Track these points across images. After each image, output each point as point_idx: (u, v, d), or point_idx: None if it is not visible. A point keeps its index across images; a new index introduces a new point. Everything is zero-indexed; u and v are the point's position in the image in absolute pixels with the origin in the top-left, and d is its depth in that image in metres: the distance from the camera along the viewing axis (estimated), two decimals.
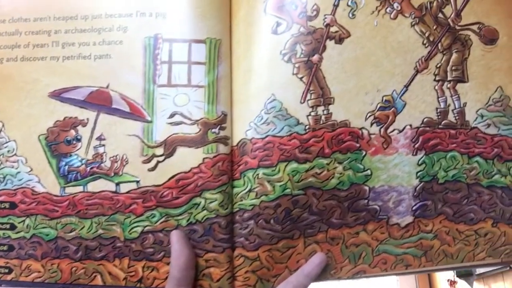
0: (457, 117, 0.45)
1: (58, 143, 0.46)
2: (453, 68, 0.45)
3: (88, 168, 0.45)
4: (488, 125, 0.46)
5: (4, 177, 0.45)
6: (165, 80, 0.45)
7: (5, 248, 0.45)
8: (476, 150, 0.45)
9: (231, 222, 0.44)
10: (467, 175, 0.45)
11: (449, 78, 0.45)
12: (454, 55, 0.45)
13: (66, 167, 0.46)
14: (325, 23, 0.45)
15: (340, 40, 0.45)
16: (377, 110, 0.45)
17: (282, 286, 0.42)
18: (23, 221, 0.45)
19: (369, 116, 0.44)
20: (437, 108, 0.45)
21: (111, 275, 0.44)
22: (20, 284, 0.44)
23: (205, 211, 0.43)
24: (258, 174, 0.44)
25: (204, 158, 0.44)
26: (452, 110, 0.45)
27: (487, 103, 0.46)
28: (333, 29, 0.45)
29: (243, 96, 0.45)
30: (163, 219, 0.44)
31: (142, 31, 0.45)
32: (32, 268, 0.44)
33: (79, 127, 0.46)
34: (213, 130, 0.44)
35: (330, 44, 0.45)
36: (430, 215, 0.45)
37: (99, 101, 0.45)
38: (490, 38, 0.46)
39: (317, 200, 0.44)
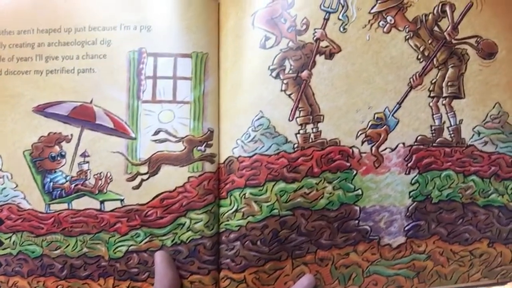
0: (452, 135, 0.44)
1: (42, 159, 0.45)
2: (449, 83, 0.43)
3: (73, 185, 0.44)
4: (485, 143, 0.44)
5: None
6: (149, 95, 0.43)
7: None
8: (472, 168, 0.44)
9: (217, 243, 0.43)
10: (463, 194, 0.44)
11: (444, 94, 0.44)
12: (450, 70, 0.44)
13: (51, 183, 0.45)
14: (315, 38, 0.43)
15: (330, 55, 0.43)
16: (369, 128, 0.43)
17: None
18: (10, 237, 0.44)
19: (360, 134, 0.43)
20: (431, 126, 0.43)
21: None
22: None
23: (190, 232, 0.42)
24: (245, 194, 0.42)
25: (189, 177, 0.43)
26: (448, 128, 0.44)
27: (484, 120, 0.44)
28: (323, 43, 0.43)
29: (230, 112, 0.44)
30: (147, 239, 0.43)
31: (126, 44, 0.44)
32: (19, 285, 0.44)
33: (63, 143, 0.45)
34: (198, 147, 0.43)
35: (320, 59, 0.43)
36: (423, 236, 0.44)
37: (83, 116, 0.44)
38: (488, 52, 0.44)
39: (306, 221, 0.43)
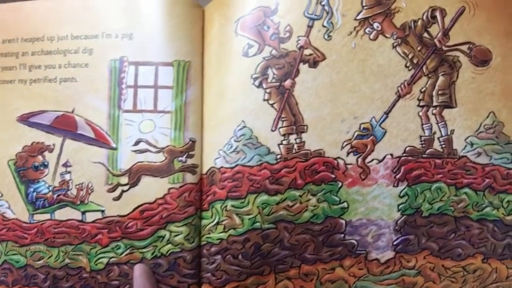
0: (443, 146, 0.42)
1: (26, 168, 0.45)
2: (440, 92, 0.42)
3: (55, 196, 0.44)
4: (479, 154, 0.42)
5: None
6: (130, 105, 0.43)
7: None
8: (464, 181, 0.42)
9: (198, 256, 0.42)
10: (455, 207, 0.42)
11: (434, 104, 0.42)
12: (441, 79, 0.42)
13: (34, 193, 0.44)
14: (298, 46, 0.42)
15: (314, 64, 0.42)
16: (354, 139, 0.41)
17: None
18: None
19: (346, 145, 0.41)
20: (421, 136, 0.42)
21: None
22: None
23: (169, 245, 0.41)
24: (226, 206, 0.41)
25: (169, 188, 0.42)
26: (438, 138, 0.42)
27: (477, 130, 0.42)
28: (307, 51, 0.42)
29: (213, 122, 0.43)
30: (128, 251, 0.42)
31: (108, 53, 0.43)
32: None
33: (46, 153, 0.44)
34: (179, 158, 0.42)
35: (303, 68, 0.42)
36: (413, 250, 0.42)
37: (65, 126, 0.43)
38: (481, 59, 0.42)
39: (289, 234, 0.41)
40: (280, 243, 0.41)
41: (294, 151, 0.41)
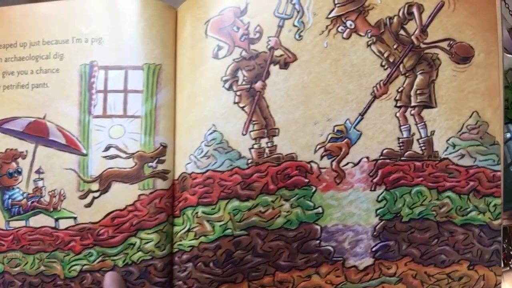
0: (423, 148, 0.40)
1: (1, 175, 0.44)
2: (418, 92, 0.40)
3: (29, 202, 0.44)
4: (462, 156, 0.40)
5: None
6: (100, 110, 0.42)
7: None
8: (447, 184, 0.40)
9: (169, 263, 0.41)
10: (437, 212, 0.40)
11: (413, 104, 0.40)
12: (419, 77, 0.40)
13: (9, 200, 0.44)
14: (268, 46, 0.40)
15: (285, 65, 0.40)
16: (328, 142, 0.40)
17: None
18: None
19: (319, 148, 0.40)
20: (399, 138, 0.40)
21: None
22: None
23: (140, 252, 0.41)
24: (197, 213, 0.40)
25: (139, 195, 0.41)
26: (418, 140, 0.40)
27: (460, 131, 0.40)
28: (277, 52, 0.40)
29: (185, 126, 0.42)
30: (100, 259, 0.41)
31: (78, 58, 0.43)
32: None
33: (20, 160, 0.44)
34: (149, 164, 0.41)
35: (274, 69, 0.40)
36: (393, 257, 0.40)
37: (37, 132, 0.43)
38: (463, 56, 0.40)
39: (262, 241, 0.40)
40: (253, 250, 0.40)
41: (265, 155, 0.40)
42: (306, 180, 0.40)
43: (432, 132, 0.40)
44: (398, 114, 0.40)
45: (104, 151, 0.42)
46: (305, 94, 0.40)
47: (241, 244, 0.40)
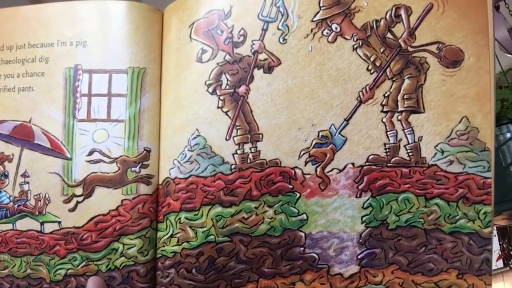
0: (410, 154, 0.39)
1: None
2: (405, 96, 0.39)
3: (16, 206, 0.44)
4: (451, 162, 0.39)
5: None
6: (84, 114, 0.42)
7: None
8: (435, 191, 0.39)
9: (152, 269, 0.40)
10: (425, 219, 0.39)
11: (400, 109, 0.39)
12: (407, 82, 0.39)
13: None
14: (252, 50, 0.40)
15: (269, 69, 0.39)
16: (313, 147, 0.39)
17: None
18: None
19: (303, 154, 0.39)
20: (385, 144, 0.39)
21: None
22: None
23: (123, 258, 0.40)
24: (180, 218, 0.40)
25: (123, 200, 0.41)
26: (405, 146, 0.39)
27: (448, 137, 0.39)
28: (261, 56, 0.39)
29: (169, 130, 0.41)
30: (84, 263, 0.41)
31: (63, 61, 0.42)
32: None
33: (6, 163, 0.44)
34: (133, 168, 0.41)
35: (258, 73, 0.40)
36: (380, 265, 0.39)
37: (22, 136, 0.43)
38: (452, 60, 0.39)
39: (245, 248, 0.39)
40: (236, 257, 0.39)
41: (249, 161, 0.39)
42: (290, 186, 0.39)
43: (420, 138, 0.39)
44: (384, 120, 0.39)
45: (88, 155, 0.41)
46: (289, 99, 0.39)
47: (224, 251, 0.39)
